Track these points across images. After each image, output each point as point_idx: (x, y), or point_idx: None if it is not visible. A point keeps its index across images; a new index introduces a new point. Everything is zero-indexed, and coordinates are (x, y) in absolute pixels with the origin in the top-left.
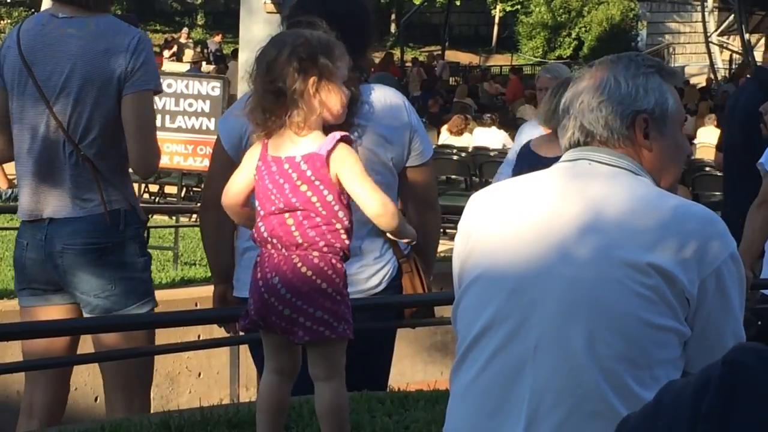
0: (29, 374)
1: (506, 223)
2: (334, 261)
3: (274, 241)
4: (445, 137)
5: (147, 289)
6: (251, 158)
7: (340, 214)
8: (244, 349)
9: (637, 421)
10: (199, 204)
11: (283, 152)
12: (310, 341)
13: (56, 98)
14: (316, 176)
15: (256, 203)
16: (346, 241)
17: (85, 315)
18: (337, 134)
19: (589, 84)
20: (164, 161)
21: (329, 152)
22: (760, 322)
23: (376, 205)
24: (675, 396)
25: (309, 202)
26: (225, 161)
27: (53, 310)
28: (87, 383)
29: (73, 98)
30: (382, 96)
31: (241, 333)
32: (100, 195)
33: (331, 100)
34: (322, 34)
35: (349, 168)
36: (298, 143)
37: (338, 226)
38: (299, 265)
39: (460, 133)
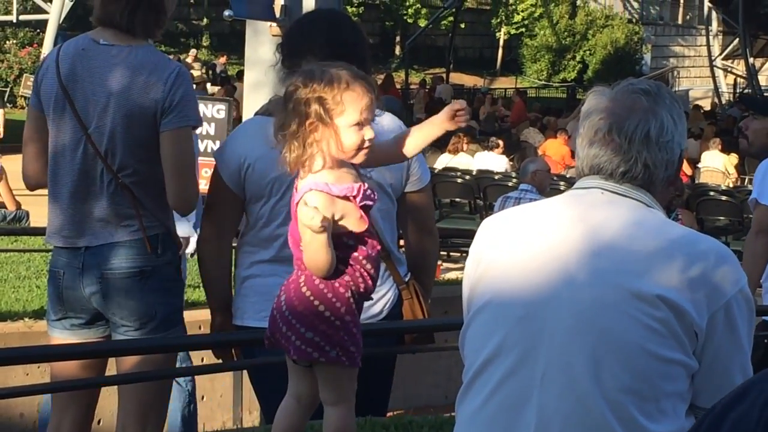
0: (57, 402)
1: (516, 250)
2: (337, 285)
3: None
4: (445, 158)
5: (180, 316)
6: None
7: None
8: None
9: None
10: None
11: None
12: (298, 360)
13: (94, 127)
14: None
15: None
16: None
17: None
18: (309, 184)
19: (648, 117)
20: None
21: (297, 203)
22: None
23: (308, 260)
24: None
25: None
26: (224, 192)
27: None
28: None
29: (110, 128)
30: (378, 121)
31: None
32: (139, 221)
33: (326, 143)
34: (344, 73)
35: (301, 223)
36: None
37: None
38: (302, 285)
39: (455, 151)
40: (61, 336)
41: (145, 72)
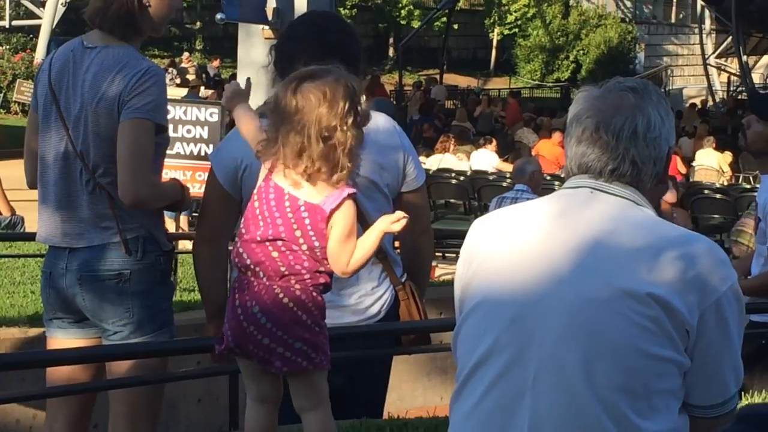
0: (50, 406)
1: (506, 251)
2: (314, 294)
3: (257, 269)
4: (435, 159)
5: (165, 319)
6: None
7: (326, 261)
8: None
9: None
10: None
11: (286, 185)
12: (288, 371)
13: (74, 127)
14: (313, 228)
15: (241, 226)
16: (329, 279)
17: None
18: (346, 191)
19: (635, 113)
20: None
21: (333, 211)
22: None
23: (342, 266)
24: None
25: (297, 242)
26: (220, 195)
27: (76, 344)
28: None
29: (84, 127)
30: (374, 122)
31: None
32: (115, 223)
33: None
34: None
35: (341, 225)
36: (304, 185)
37: (321, 269)
38: (281, 295)
39: (443, 150)
40: (56, 335)
41: (114, 70)
